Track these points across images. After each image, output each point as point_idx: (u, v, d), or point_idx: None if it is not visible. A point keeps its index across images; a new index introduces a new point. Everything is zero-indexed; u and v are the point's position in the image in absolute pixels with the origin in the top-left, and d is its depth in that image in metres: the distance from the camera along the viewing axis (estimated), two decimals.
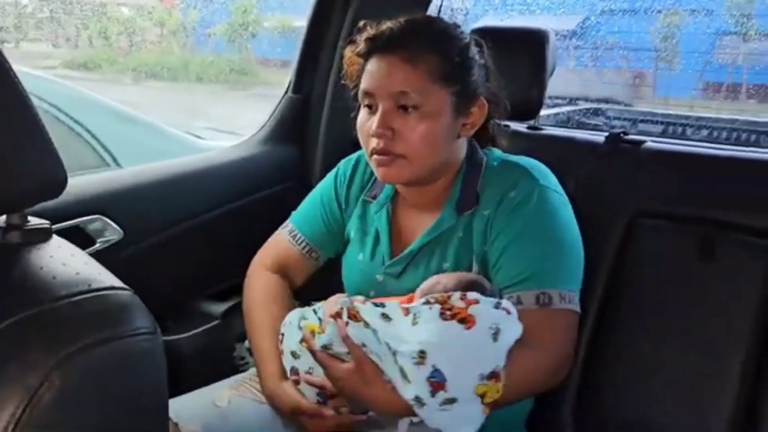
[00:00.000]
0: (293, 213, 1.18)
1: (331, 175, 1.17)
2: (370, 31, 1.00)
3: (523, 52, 1.22)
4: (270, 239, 1.18)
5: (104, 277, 0.55)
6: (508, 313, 0.87)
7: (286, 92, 1.46)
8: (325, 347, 0.91)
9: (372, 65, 0.98)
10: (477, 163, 1.04)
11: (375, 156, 0.99)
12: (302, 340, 0.96)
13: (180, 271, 1.27)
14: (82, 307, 0.52)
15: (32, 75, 2.24)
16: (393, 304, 0.89)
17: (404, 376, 0.83)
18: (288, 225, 1.17)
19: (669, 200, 1.14)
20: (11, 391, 0.47)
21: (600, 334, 1.12)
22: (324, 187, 1.17)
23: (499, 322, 0.85)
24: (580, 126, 2.29)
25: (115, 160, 2.05)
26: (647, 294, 1.11)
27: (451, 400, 0.81)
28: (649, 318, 1.10)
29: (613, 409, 1.10)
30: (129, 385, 0.53)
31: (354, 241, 1.13)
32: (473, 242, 1.01)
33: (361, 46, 1.00)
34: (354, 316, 0.88)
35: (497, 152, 1.08)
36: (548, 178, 1.03)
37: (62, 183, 0.58)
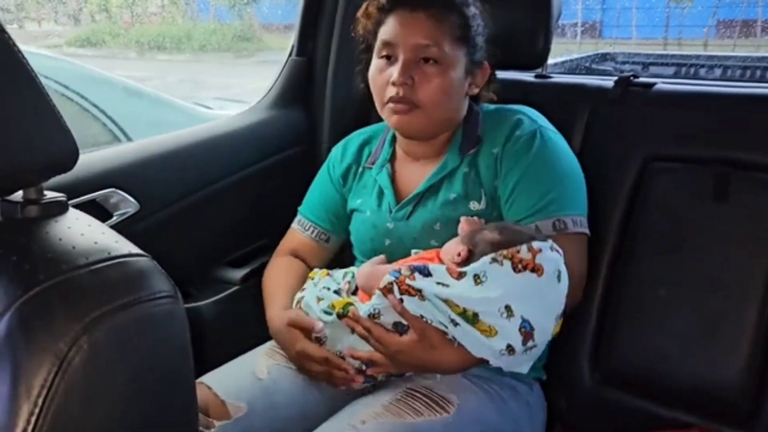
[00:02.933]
0: (301, 204, 1.23)
1: (324, 164, 1.24)
2: None
3: None
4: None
5: (122, 245, 0.57)
6: (559, 253, 0.92)
7: (290, 55, 1.45)
8: (372, 316, 0.93)
9: (396, 18, 1.05)
10: (474, 112, 1.12)
11: (391, 104, 1.05)
12: (341, 314, 0.97)
13: (197, 240, 1.29)
14: (102, 275, 0.53)
15: (39, 54, 2.25)
16: (440, 270, 0.91)
17: (486, 331, 0.87)
18: (297, 216, 1.23)
19: (682, 141, 1.13)
20: (42, 359, 0.49)
21: (614, 279, 1.13)
22: (321, 174, 1.24)
23: (558, 263, 0.91)
24: (590, 72, 2.26)
25: (125, 134, 2.06)
26: (662, 237, 1.11)
27: (534, 345, 0.88)
28: (664, 261, 1.10)
29: (630, 353, 1.11)
30: (153, 347, 0.55)
31: (359, 206, 1.17)
32: (481, 177, 1.07)
33: (383, 0, 1.07)
34: (407, 290, 0.90)
35: (487, 105, 1.15)
36: (542, 119, 1.10)
37: (74, 156, 0.59)
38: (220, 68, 5.56)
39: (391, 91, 1.03)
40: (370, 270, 1.01)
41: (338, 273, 1.08)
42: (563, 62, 2.20)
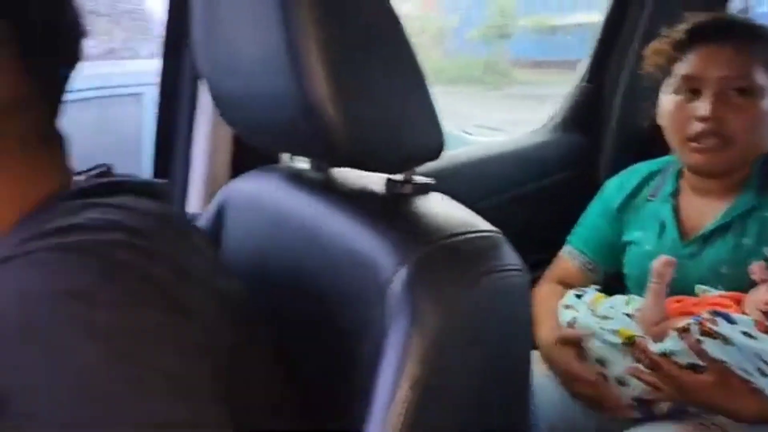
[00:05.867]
0: (571, 233, 1.24)
1: (600, 193, 1.23)
2: (691, 21, 1.06)
3: None
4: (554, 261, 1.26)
5: (478, 222, 0.65)
6: None
7: (579, 82, 1.52)
8: (664, 355, 0.92)
9: (698, 52, 1.04)
10: None
11: (694, 143, 1.02)
12: (627, 343, 0.97)
13: None
14: (466, 245, 0.62)
15: None
16: (746, 320, 0.88)
17: None
18: (567, 243, 1.25)
19: None
20: (424, 319, 0.56)
21: None
22: (595, 205, 1.23)
23: None
24: None
25: None
26: None
27: None
28: None
29: None
30: (506, 316, 0.62)
31: (636, 239, 1.15)
32: None
33: (681, 35, 1.06)
34: (708, 333, 0.88)
35: None
36: None
37: (441, 147, 0.69)
38: (469, 100, 5.81)
39: (697, 127, 1.01)
40: (654, 306, 0.98)
41: (618, 299, 1.07)
42: None
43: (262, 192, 0.82)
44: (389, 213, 0.67)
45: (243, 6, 0.64)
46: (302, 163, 0.86)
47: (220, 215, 0.86)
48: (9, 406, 0.42)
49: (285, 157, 1.04)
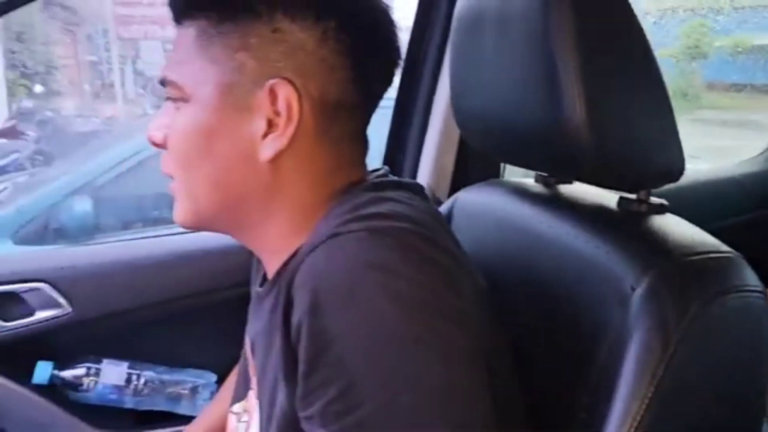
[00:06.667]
0: None
1: None
2: None
3: None
4: None
5: (717, 243, 0.67)
6: None
7: None
8: None
9: None
10: None
11: None
12: None
13: None
14: (707, 263, 0.64)
15: None
16: None
17: None
18: None
19: None
20: (653, 337, 0.60)
21: None
22: None
23: None
24: None
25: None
26: None
27: None
28: None
29: None
30: (745, 334, 0.64)
31: None
32: None
33: None
34: None
35: None
36: None
37: (682, 169, 0.71)
38: None
39: None
40: None
41: None
42: None
43: (490, 202, 0.90)
44: (627, 229, 0.72)
45: (504, 33, 0.72)
46: (526, 179, 0.93)
47: (448, 221, 0.95)
48: (327, 349, 0.52)
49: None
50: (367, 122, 0.69)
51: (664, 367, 0.59)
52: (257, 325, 0.73)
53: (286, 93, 0.61)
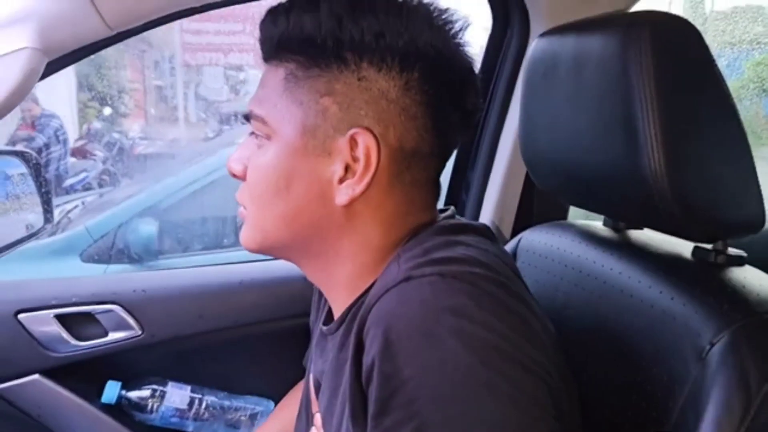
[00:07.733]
0: None
1: None
2: None
3: None
4: None
5: None
6: None
7: None
8: None
9: None
10: None
11: None
12: None
13: None
14: None
15: None
16: None
17: None
18: None
19: None
20: (733, 397, 0.58)
21: None
22: None
23: None
24: None
25: None
26: None
27: None
28: None
29: None
30: None
31: None
32: None
33: None
34: None
35: None
36: None
37: (762, 221, 0.69)
38: None
39: None
40: None
41: None
42: None
43: (557, 244, 0.89)
44: (704, 280, 0.70)
45: (579, 75, 0.72)
46: (594, 221, 0.92)
47: (514, 259, 0.95)
48: (399, 391, 0.53)
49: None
50: (441, 168, 0.70)
51: (744, 429, 0.58)
52: (322, 363, 0.73)
53: (366, 141, 0.62)
